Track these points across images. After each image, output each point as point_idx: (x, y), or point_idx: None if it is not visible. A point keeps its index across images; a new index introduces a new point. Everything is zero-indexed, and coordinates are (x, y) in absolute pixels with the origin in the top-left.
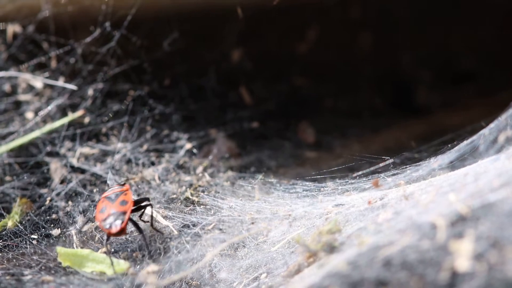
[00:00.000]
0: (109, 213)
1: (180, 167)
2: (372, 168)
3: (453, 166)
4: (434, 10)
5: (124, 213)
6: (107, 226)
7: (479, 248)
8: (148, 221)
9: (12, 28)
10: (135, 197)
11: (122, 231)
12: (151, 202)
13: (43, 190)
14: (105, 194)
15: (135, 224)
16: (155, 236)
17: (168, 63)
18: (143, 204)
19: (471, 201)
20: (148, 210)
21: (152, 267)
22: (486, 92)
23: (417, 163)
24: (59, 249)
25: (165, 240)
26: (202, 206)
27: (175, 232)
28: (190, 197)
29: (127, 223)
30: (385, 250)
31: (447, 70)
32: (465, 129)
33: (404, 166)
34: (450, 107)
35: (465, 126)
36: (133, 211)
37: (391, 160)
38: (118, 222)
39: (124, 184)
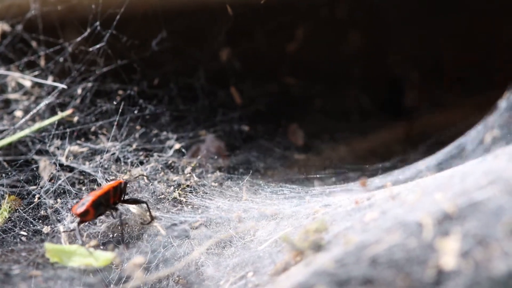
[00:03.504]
0: (84, 198)
1: (169, 166)
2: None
3: (440, 167)
4: (423, 10)
5: (91, 197)
6: (76, 209)
7: (466, 246)
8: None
9: (1, 27)
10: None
11: (85, 214)
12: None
13: (32, 188)
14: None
15: (115, 209)
16: (142, 235)
17: (157, 62)
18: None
19: (458, 199)
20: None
21: (138, 258)
22: (473, 93)
23: (405, 165)
24: (47, 245)
25: (152, 238)
26: (189, 206)
27: (163, 231)
28: (178, 197)
29: (89, 206)
30: (371, 248)
31: (436, 71)
32: (452, 130)
33: (392, 168)
34: (438, 108)
35: (453, 127)
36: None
37: (379, 165)
38: (82, 205)
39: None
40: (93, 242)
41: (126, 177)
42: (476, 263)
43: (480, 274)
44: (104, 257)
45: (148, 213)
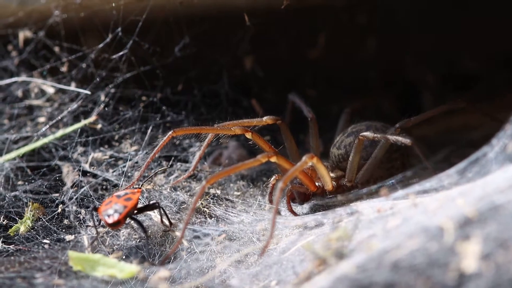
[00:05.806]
0: (111, 206)
1: (192, 175)
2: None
3: (462, 174)
4: (439, 14)
5: (125, 207)
6: (105, 217)
7: (486, 248)
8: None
9: (23, 34)
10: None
11: (118, 223)
12: (161, 206)
13: (55, 195)
14: (117, 193)
15: (140, 223)
16: (166, 244)
17: (180, 68)
18: (151, 203)
19: (478, 203)
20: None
21: (163, 272)
22: (490, 94)
23: (427, 177)
24: (71, 253)
25: (176, 249)
26: (213, 218)
27: (185, 243)
28: (201, 207)
29: (124, 217)
30: (393, 253)
31: (452, 73)
32: (471, 134)
33: (414, 179)
34: (455, 110)
35: (471, 129)
36: (140, 211)
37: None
38: (116, 214)
39: (140, 188)
40: (117, 254)
41: (149, 186)
42: (497, 265)
43: (501, 276)
44: (128, 269)
45: (165, 218)
